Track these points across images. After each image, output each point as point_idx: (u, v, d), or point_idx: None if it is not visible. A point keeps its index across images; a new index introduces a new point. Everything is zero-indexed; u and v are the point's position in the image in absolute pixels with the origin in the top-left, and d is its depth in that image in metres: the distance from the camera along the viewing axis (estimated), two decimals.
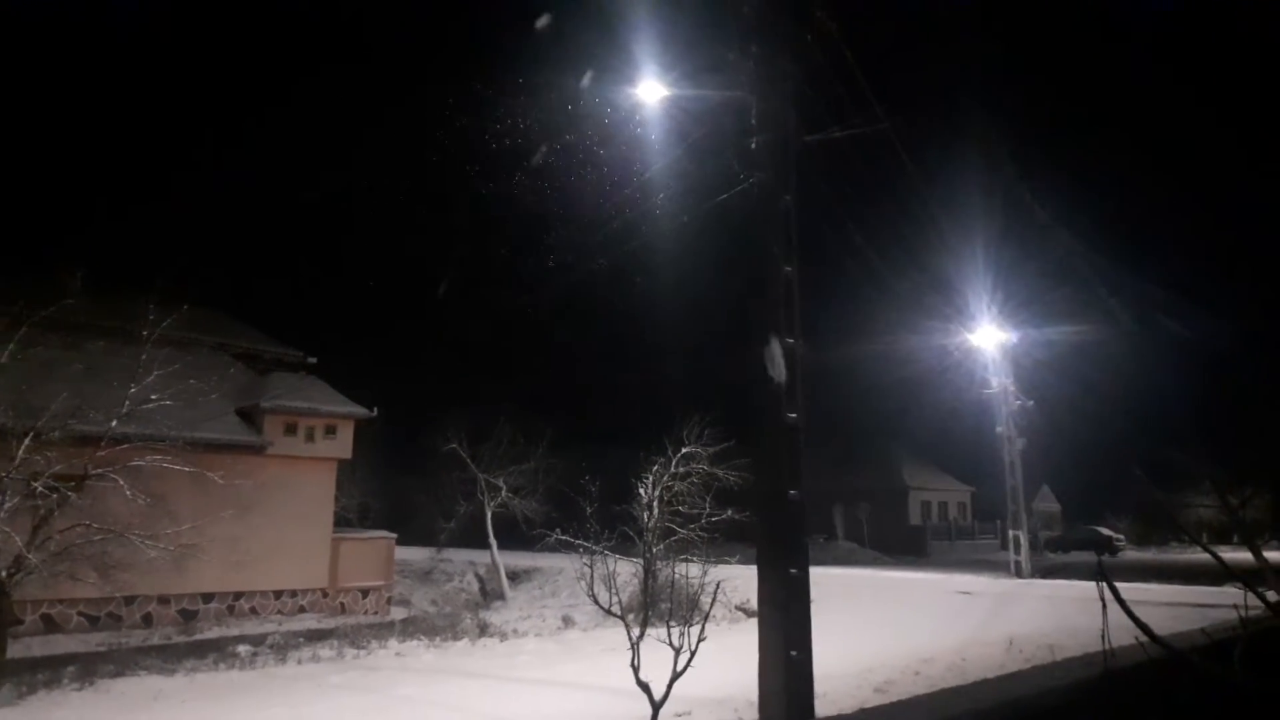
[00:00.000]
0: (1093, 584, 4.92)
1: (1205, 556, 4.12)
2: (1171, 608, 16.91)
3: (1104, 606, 4.20)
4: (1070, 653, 5.94)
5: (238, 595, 17.72)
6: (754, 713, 8.34)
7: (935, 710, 3.63)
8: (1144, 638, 4.45)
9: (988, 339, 31.16)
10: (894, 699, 7.64)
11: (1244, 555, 4.75)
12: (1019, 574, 30.67)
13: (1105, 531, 49.16)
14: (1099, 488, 56.69)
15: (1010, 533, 31.75)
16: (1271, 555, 3.60)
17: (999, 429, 31.79)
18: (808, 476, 8.06)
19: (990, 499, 44.74)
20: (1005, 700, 3.88)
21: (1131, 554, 47.21)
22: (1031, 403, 32.10)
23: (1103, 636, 4.21)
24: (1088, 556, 40.88)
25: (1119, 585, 4.43)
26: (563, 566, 22.11)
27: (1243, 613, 3.58)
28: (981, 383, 31.85)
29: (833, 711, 8.07)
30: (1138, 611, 4.31)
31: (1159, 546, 51.30)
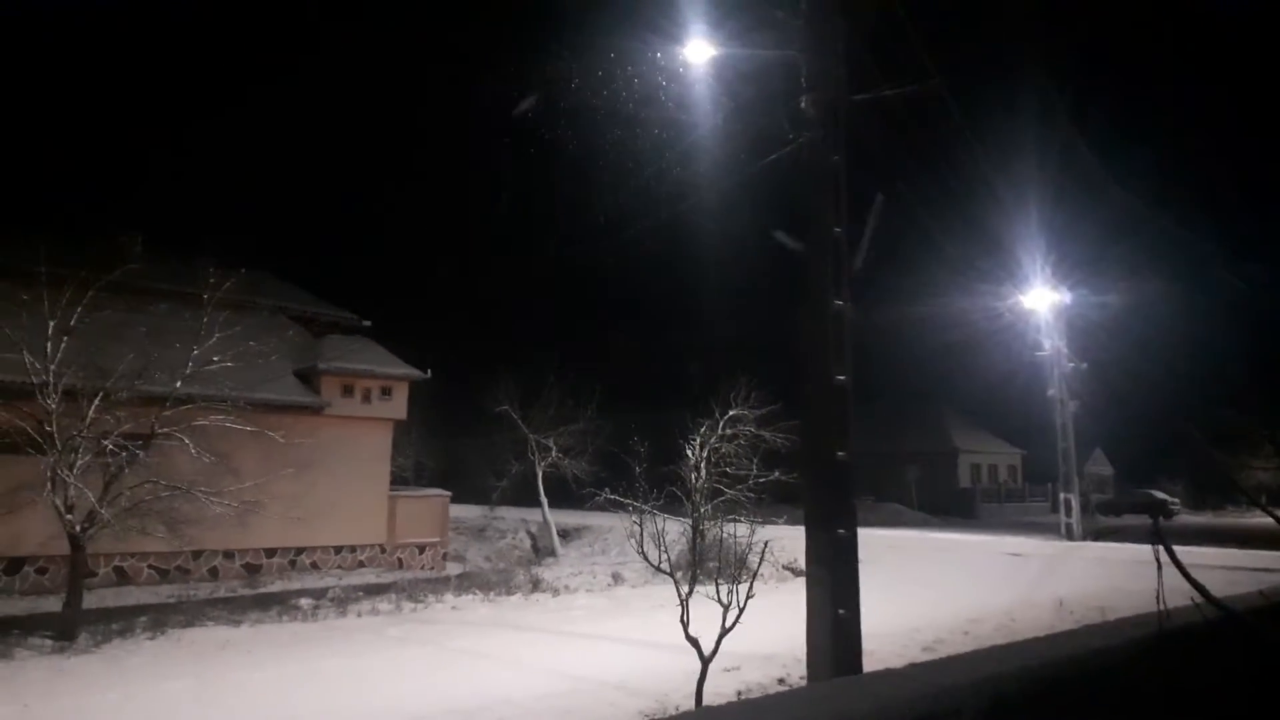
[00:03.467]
0: (1145, 547, 4.94)
1: (1263, 520, 4.11)
2: (1228, 571, 16.68)
3: (1159, 567, 4.20)
4: (1122, 614, 5.94)
5: (299, 550, 18.27)
6: (801, 669, 8.47)
7: (983, 667, 3.68)
8: (1200, 599, 4.46)
9: (1040, 301, 30.61)
10: (942, 657, 7.70)
11: None
12: (1070, 537, 30.38)
13: (1159, 495, 48.32)
14: (1153, 451, 55.66)
15: (1061, 495, 31.42)
16: None
17: (1051, 392, 31.34)
18: (856, 438, 8.08)
19: (1041, 462, 44.19)
20: (1056, 658, 3.91)
21: (1186, 517, 46.44)
22: (1085, 365, 31.57)
23: (1157, 597, 4.21)
24: (1141, 520, 40.31)
25: (1175, 549, 4.43)
26: (612, 525, 22.42)
27: None
28: (1033, 345, 31.37)
29: (880, 668, 8.16)
30: (1193, 575, 4.31)
31: (1215, 510, 50.34)
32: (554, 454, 24.42)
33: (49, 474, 12.14)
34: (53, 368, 12.25)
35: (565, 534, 25.90)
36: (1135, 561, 21.24)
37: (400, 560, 19.82)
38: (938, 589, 17.50)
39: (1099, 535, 31.59)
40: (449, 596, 15.71)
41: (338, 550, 18.93)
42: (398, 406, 20.22)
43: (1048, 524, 36.28)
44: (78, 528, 12.16)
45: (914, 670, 3.82)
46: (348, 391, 19.24)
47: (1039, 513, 47.01)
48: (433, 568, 19.98)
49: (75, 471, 12.17)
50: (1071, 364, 31.20)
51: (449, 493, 21.85)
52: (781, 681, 9.48)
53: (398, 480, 23.94)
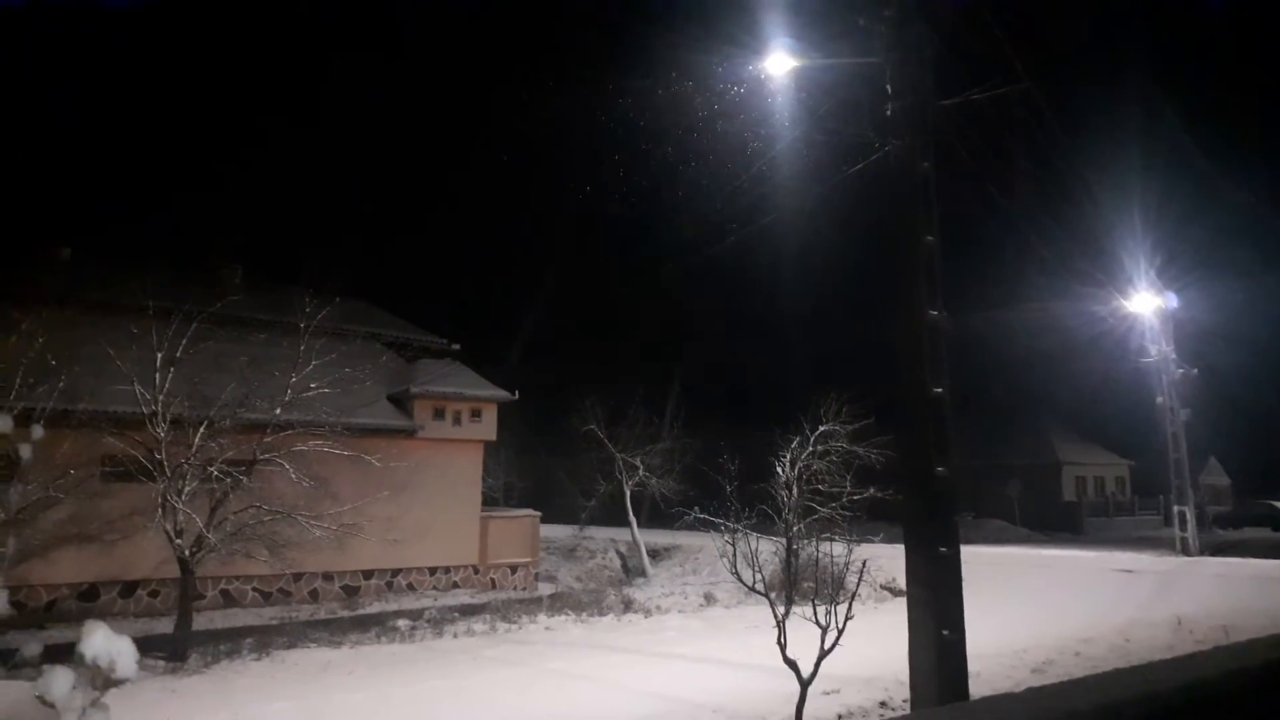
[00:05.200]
0: (1269, 562, 4.60)
1: None
2: None
3: None
4: (1249, 634, 5.55)
5: (395, 572, 18.60)
6: (904, 692, 8.20)
7: (1103, 692, 3.45)
8: None
9: (1145, 304, 29.35)
10: (1053, 680, 7.35)
11: None
12: (1186, 551, 28.91)
13: None
14: (1272, 459, 52.83)
15: (1175, 508, 29.95)
16: None
17: (1159, 399, 29.97)
18: (954, 451, 7.82)
19: (1151, 473, 42.25)
20: (1183, 682, 3.66)
21: None
22: (1195, 371, 30.16)
23: None
24: (1262, 534, 38.14)
25: None
26: (702, 544, 22.23)
27: None
28: (1139, 351, 30.09)
29: (988, 692, 7.84)
30: None
31: None
32: (641, 473, 24.39)
33: (159, 500, 12.63)
34: (161, 398, 12.77)
35: (655, 554, 25.80)
36: (1259, 578, 20.08)
37: (493, 580, 20.01)
38: (1045, 608, 16.81)
39: (1217, 550, 30.00)
40: (542, 617, 15.76)
41: (432, 571, 19.22)
42: (487, 428, 20.49)
43: (1160, 539, 34.64)
44: (186, 551, 12.61)
45: (1029, 695, 3.62)
46: (439, 414, 19.57)
47: (1150, 527, 44.92)
48: (525, 588, 20.11)
49: (183, 497, 12.64)
50: (1181, 370, 29.82)
51: (539, 513, 22.00)
52: (884, 705, 9.18)
53: (488, 501, 24.23)
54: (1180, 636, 12.90)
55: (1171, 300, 29.53)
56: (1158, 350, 29.75)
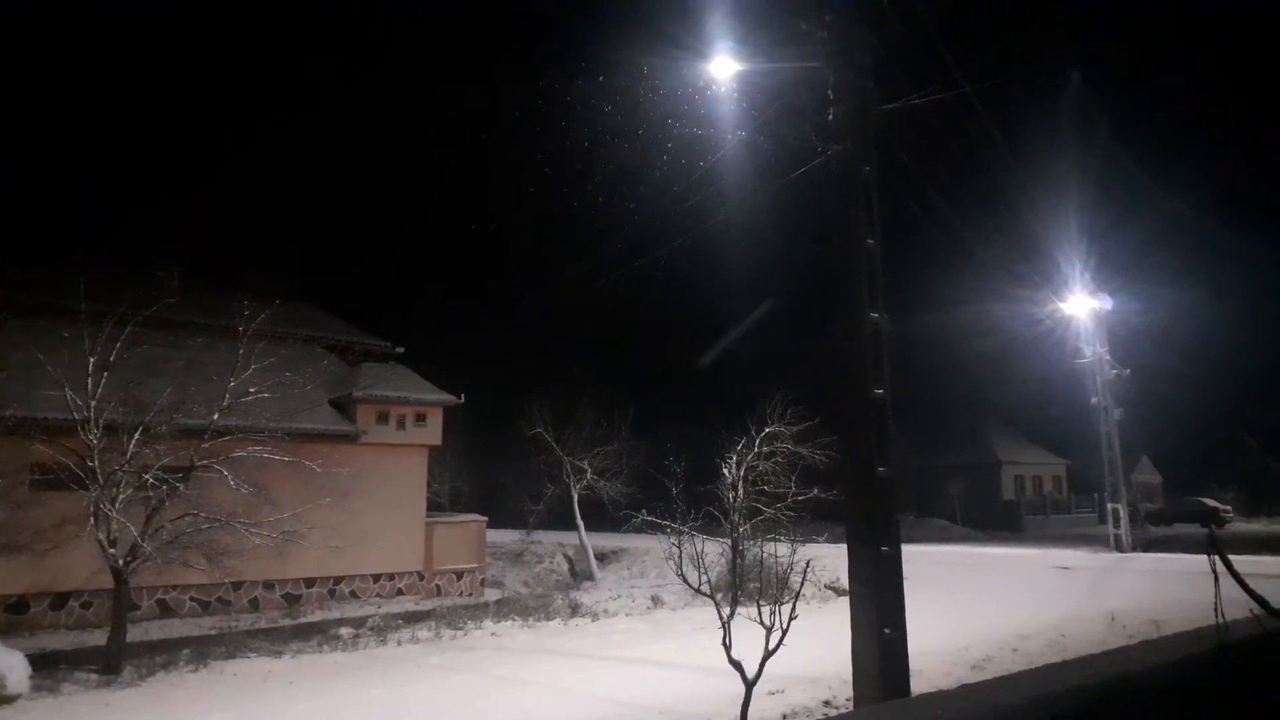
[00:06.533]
0: (1198, 558, 4.75)
1: None
2: None
3: (1215, 579, 4.04)
4: (1177, 628, 5.75)
5: (338, 579, 18.32)
6: (848, 690, 8.29)
7: (1037, 686, 3.54)
8: (1260, 610, 4.27)
9: (1081, 307, 30.13)
10: (992, 676, 7.50)
11: None
12: (1119, 548, 29.72)
13: (1210, 503, 47.17)
14: (1202, 458, 54.54)
15: (1109, 506, 30.78)
16: None
17: (1094, 400, 30.78)
18: (896, 452, 7.94)
19: (1086, 472, 43.31)
20: (1114, 675, 3.75)
21: (1240, 525, 45.23)
22: (1128, 371, 31.02)
23: (1215, 610, 4.04)
24: (1192, 529, 39.33)
25: (1230, 558, 4.27)
26: (649, 547, 22.26)
27: None
28: (1074, 352, 30.87)
29: (928, 689, 7.96)
30: (1251, 585, 4.14)
31: (1269, 517, 49.05)
32: (589, 476, 24.34)
33: (92, 509, 12.29)
34: (94, 403, 12.42)
35: (603, 557, 25.76)
36: (1189, 573, 20.66)
37: (438, 587, 19.80)
38: (985, 605, 17.14)
39: (1149, 546, 30.88)
40: (488, 623, 15.64)
41: (376, 578, 18.96)
42: (432, 432, 20.27)
43: (1095, 535, 35.56)
44: (120, 561, 12.28)
45: (965, 691, 3.69)
46: (383, 419, 19.32)
47: (1086, 524, 46.07)
48: (471, 594, 19.94)
49: (117, 506, 12.30)
50: (1114, 371, 30.65)
51: (485, 518, 21.82)
52: (827, 704, 9.28)
53: (434, 506, 23.99)
54: (1113, 631, 13.25)
55: (1106, 303, 30.35)
56: (1092, 351, 30.55)
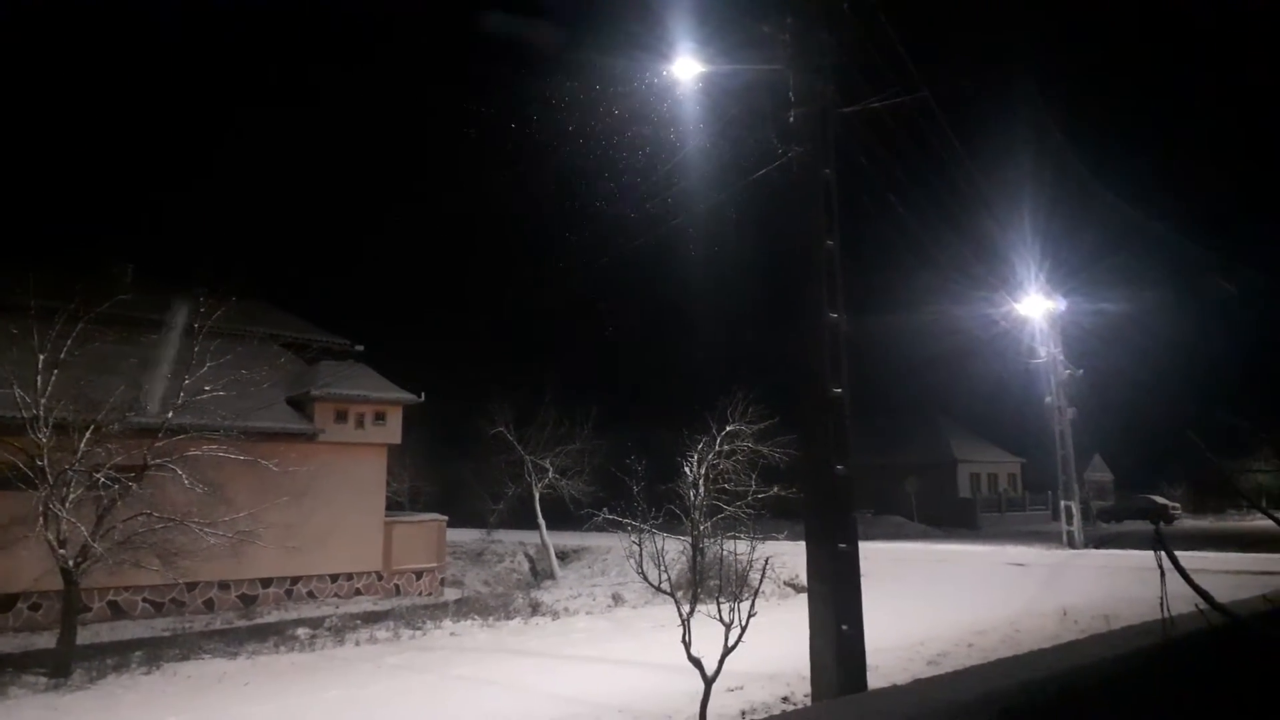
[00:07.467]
0: (1148, 553, 4.87)
1: (1265, 523, 4.06)
2: (1232, 575, 16.60)
3: (1162, 574, 4.14)
4: (1126, 622, 5.91)
5: (295, 580, 18.11)
6: (806, 686, 8.38)
7: (991, 681, 3.61)
8: (1204, 605, 4.40)
9: (1035, 308, 30.67)
10: (947, 670, 7.62)
11: None
12: (1072, 545, 30.29)
13: (1160, 500, 48.31)
14: (1152, 456, 55.72)
15: (1062, 503, 31.36)
16: None
17: (1048, 399, 31.35)
18: (854, 451, 8.03)
19: (1041, 470, 44.12)
20: (1062, 670, 3.84)
21: (1188, 522, 46.38)
22: (1081, 372, 31.63)
23: (1161, 605, 4.15)
24: (1142, 526, 40.23)
25: (1176, 554, 4.38)
26: (611, 545, 22.29)
27: None
28: (1029, 353, 31.40)
29: (885, 684, 8.07)
30: (1196, 580, 4.26)
31: (1216, 514, 50.32)
32: (551, 475, 24.29)
33: (41, 509, 12.02)
34: (43, 401, 12.15)
35: (564, 556, 25.73)
36: (1138, 568, 21.12)
37: (397, 587, 19.66)
38: (941, 601, 17.39)
39: (1101, 542, 31.51)
40: (447, 623, 15.56)
41: (334, 578, 18.77)
42: (392, 431, 20.11)
43: (1049, 532, 36.20)
44: (71, 562, 12.04)
45: (919, 686, 3.75)
46: (341, 417, 19.13)
47: (1040, 521, 46.93)
48: (430, 593, 19.81)
49: (67, 506, 12.05)
50: (1068, 371, 31.23)
51: (445, 517, 21.68)
52: (786, 700, 9.37)
53: (393, 506, 23.78)
54: (1065, 626, 13.52)
55: (1060, 304, 30.91)
56: (1046, 352, 31.10)
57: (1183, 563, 4.30)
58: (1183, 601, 4.41)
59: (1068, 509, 30.92)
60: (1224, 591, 4.94)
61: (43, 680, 11.24)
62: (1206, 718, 4.54)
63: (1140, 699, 4.20)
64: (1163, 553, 4.35)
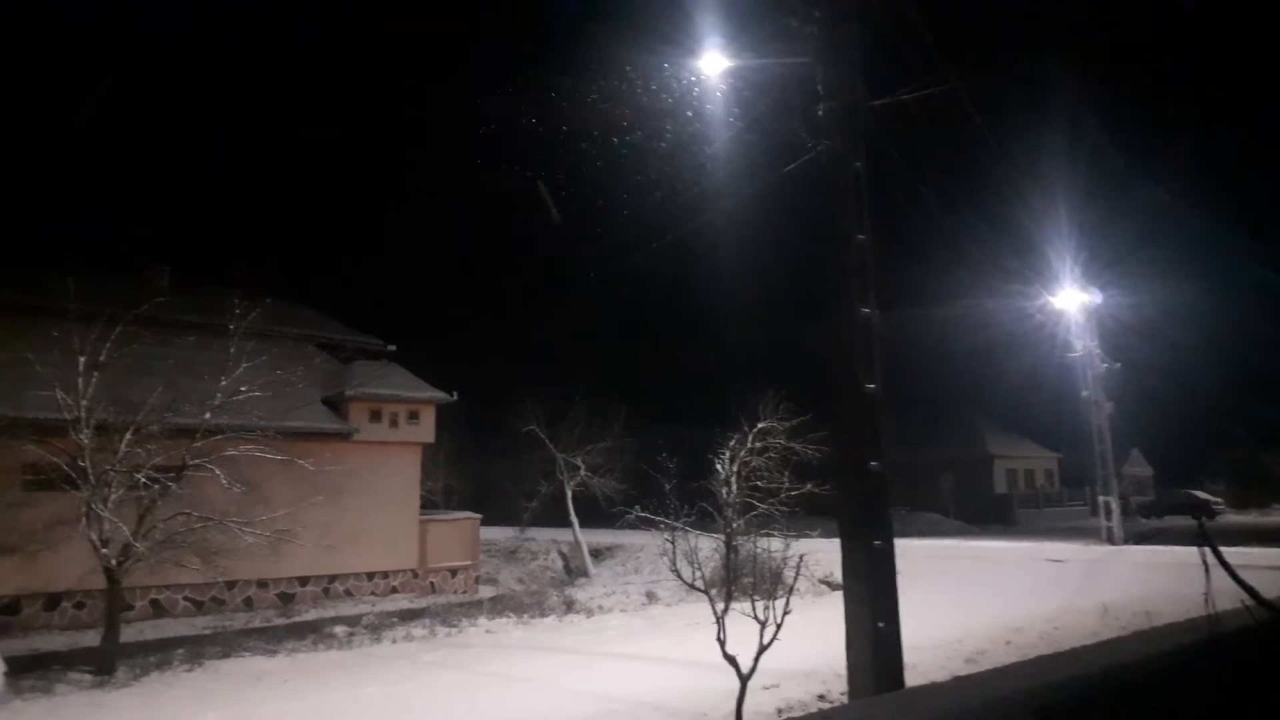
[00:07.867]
0: (1189, 550, 4.78)
1: None
2: (1277, 571, 16.28)
3: (1206, 570, 4.07)
4: (1169, 619, 5.80)
5: (332, 578, 18.29)
6: (842, 685, 8.32)
7: (1030, 678, 3.56)
8: (1250, 601, 4.31)
9: (1070, 301, 30.22)
10: (985, 668, 7.53)
11: None
12: (1111, 541, 29.84)
13: (1201, 495, 47.46)
14: (1193, 450, 54.88)
15: (1100, 499, 30.90)
16: None
17: (1085, 393, 30.88)
18: (888, 447, 7.96)
19: (1078, 465, 43.47)
20: (1105, 667, 3.78)
21: (1230, 517, 45.50)
22: (1119, 365, 31.13)
23: (1206, 601, 4.07)
24: (1183, 521, 39.52)
25: (1220, 550, 4.30)
26: (644, 543, 22.30)
27: None
28: (1064, 346, 30.95)
29: (922, 682, 8.00)
30: (1241, 576, 4.17)
31: (1260, 509, 49.35)
32: (583, 473, 24.34)
33: (83, 509, 12.24)
34: (84, 403, 12.37)
35: (597, 553, 25.76)
36: (1180, 564, 20.75)
37: (433, 585, 19.79)
38: (978, 598, 17.21)
39: (1141, 538, 31.02)
40: (483, 620, 15.65)
41: (370, 576, 18.94)
42: (425, 430, 20.25)
43: (1087, 528, 35.70)
44: (113, 561, 12.24)
45: (959, 684, 3.71)
46: (375, 417, 19.28)
47: (1078, 517, 46.28)
48: (465, 591, 19.93)
49: (109, 506, 12.26)
50: (1105, 365, 30.76)
51: (479, 515, 21.81)
52: (822, 698, 9.32)
53: (427, 504, 23.94)
54: (1106, 623, 13.32)
55: (1096, 296, 30.44)
56: (1082, 345, 30.63)
57: (1227, 559, 4.22)
58: (1227, 598, 4.32)
59: (1106, 504, 30.45)
60: (1270, 587, 4.84)
61: (88, 677, 11.44)
62: (1254, 715, 4.45)
63: (1185, 696, 4.12)
64: (1207, 548, 4.27)
